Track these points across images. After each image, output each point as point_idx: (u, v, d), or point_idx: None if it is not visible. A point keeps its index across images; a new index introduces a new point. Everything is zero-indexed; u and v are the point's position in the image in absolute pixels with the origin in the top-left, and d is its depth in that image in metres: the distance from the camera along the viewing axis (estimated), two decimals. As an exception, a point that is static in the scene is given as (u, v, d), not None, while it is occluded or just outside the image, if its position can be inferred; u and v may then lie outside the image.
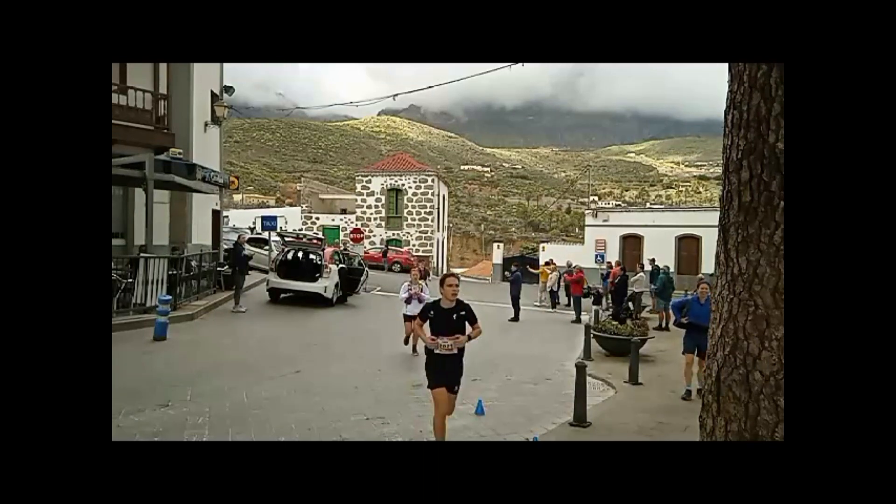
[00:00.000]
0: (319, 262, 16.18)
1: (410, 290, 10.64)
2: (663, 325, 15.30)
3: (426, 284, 11.41)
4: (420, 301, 10.19)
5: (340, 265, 17.11)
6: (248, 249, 17.40)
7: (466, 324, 5.32)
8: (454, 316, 5.28)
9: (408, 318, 10.56)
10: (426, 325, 5.40)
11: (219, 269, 16.21)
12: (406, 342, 10.91)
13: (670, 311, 15.36)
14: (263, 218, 24.50)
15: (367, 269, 19.41)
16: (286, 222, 34.43)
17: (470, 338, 5.34)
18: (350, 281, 17.22)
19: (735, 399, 2.00)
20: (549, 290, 20.94)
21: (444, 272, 5.97)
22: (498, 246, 42.06)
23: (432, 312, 5.33)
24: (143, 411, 6.16)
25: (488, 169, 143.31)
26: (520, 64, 8.98)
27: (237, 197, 64.70)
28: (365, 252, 29.58)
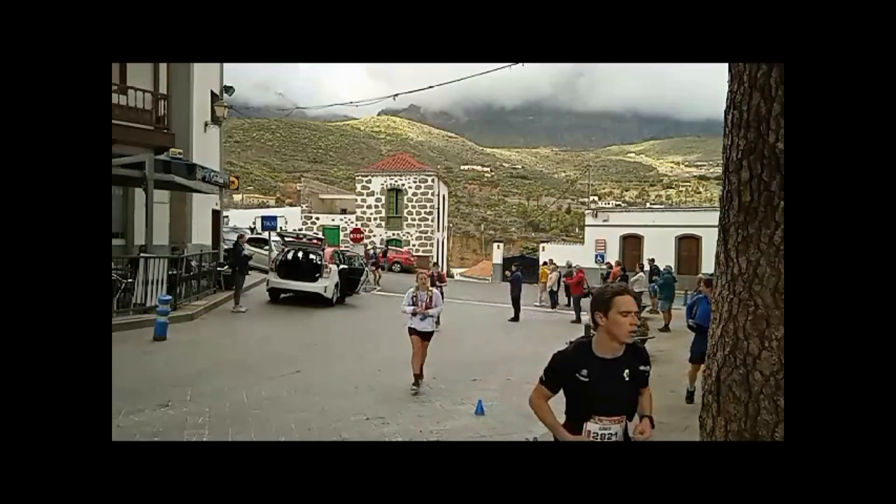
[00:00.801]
0: (319, 262, 16.18)
1: (416, 299, 7.90)
2: (665, 325, 15.25)
3: (437, 293, 8.44)
4: (430, 316, 7.93)
5: (342, 266, 17.12)
6: (248, 249, 17.41)
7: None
8: (625, 373, 2.56)
9: (414, 333, 7.88)
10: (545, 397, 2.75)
11: (219, 269, 16.21)
12: (417, 379, 7.82)
13: (671, 312, 15.36)
14: (263, 218, 24.52)
15: (367, 269, 19.44)
16: (286, 222, 34.43)
17: (651, 422, 2.60)
18: (350, 281, 17.24)
19: (735, 399, 2.00)
20: (548, 290, 20.94)
21: (609, 285, 3.01)
22: (498, 246, 42.08)
23: (584, 373, 2.52)
24: (143, 411, 6.16)
25: (488, 169, 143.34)
26: (520, 64, 8.99)
27: (237, 197, 64.71)
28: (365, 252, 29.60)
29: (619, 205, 76.48)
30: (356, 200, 39.93)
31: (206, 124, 18.01)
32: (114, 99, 12.83)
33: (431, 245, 38.58)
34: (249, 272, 16.38)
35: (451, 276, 41.64)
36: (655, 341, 12.24)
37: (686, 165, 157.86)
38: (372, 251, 28.97)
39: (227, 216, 28.65)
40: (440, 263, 39.97)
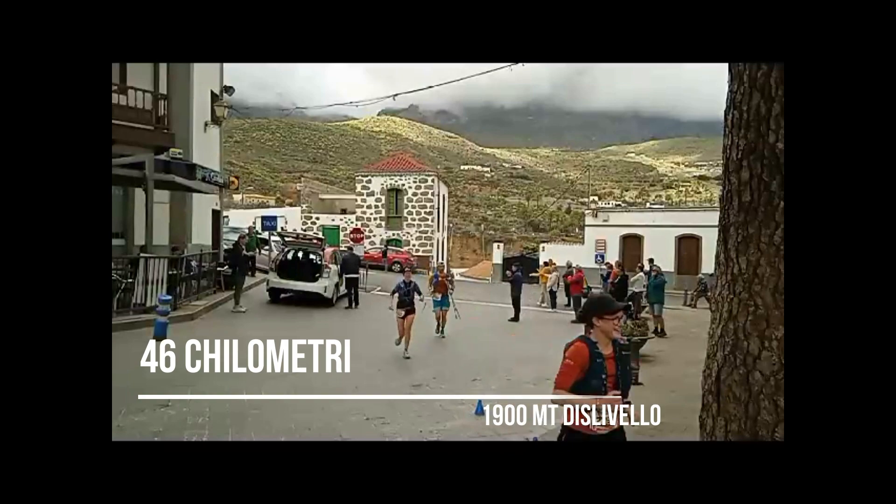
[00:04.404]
0: (319, 262, 16.17)
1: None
2: (659, 330, 14.99)
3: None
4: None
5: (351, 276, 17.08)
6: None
7: None
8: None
9: None
10: None
11: (219, 269, 16.21)
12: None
13: (662, 317, 15.22)
14: (263, 218, 24.50)
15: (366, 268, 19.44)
16: (286, 222, 34.40)
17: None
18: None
19: (735, 399, 2.00)
20: (549, 290, 20.93)
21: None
22: (498, 246, 42.03)
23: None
24: (143, 411, 6.16)
25: (488, 169, 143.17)
26: (520, 64, 8.97)
27: (237, 197, 64.59)
28: (365, 252, 29.58)
29: (619, 205, 76.26)
30: (356, 200, 39.90)
31: (206, 124, 18.00)
32: (114, 99, 12.81)
33: (431, 245, 38.57)
34: (249, 272, 16.37)
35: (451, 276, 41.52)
36: (655, 342, 12.24)
37: (686, 165, 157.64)
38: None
39: (227, 216, 28.60)
40: (438, 262, 39.89)
